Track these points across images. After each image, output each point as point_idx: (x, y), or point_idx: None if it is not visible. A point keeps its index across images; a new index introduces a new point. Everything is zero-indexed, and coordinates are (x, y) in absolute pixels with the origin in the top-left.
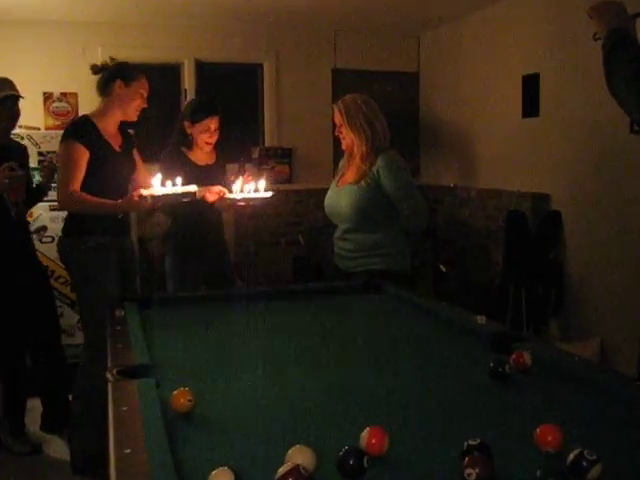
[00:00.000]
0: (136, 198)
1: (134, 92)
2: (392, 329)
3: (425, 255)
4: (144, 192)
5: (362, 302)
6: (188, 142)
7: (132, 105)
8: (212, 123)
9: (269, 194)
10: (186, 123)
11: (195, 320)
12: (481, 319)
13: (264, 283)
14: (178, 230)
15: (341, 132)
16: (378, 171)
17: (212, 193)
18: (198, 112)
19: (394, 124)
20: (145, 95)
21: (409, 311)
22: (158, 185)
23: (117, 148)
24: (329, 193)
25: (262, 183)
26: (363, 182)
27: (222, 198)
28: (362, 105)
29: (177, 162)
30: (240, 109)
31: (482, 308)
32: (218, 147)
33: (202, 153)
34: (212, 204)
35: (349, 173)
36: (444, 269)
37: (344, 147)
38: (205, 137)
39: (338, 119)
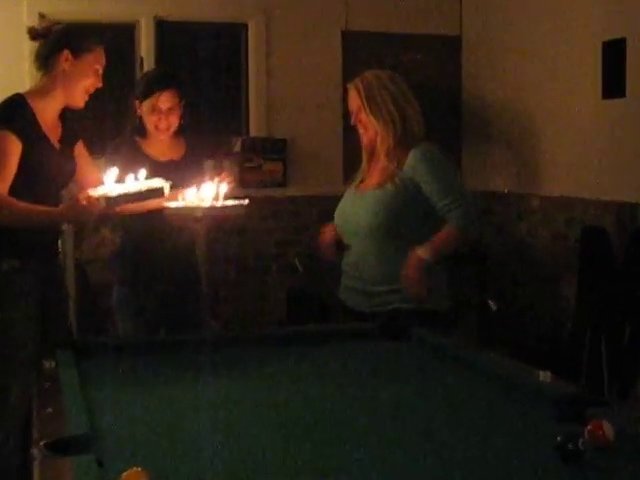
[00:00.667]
0: (83, 202)
1: (85, 68)
2: (422, 389)
3: (468, 287)
4: (94, 193)
5: (380, 352)
6: (141, 129)
7: (80, 85)
8: (162, 100)
9: (236, 203)
10: (136, 102)
11: (150, 375)
12: (545, 376)
13: (246, 324)
14: (131, 250)
15: (360, 120)
16: (411, 169)
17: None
18: (144, 85)
19: (427, 107)
20: (100, 72)
21: (446, 364)
22: (112, 182)
23: (55, 144)
24: (342, 202)
25: (223, 187)
26: (390, 185)
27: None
28: (389, 83)
29: (129, 157)
30: (216, 85)
31: (547, 361)
32: (186, 136)
33: (160, 144)
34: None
35: (372, 176)
36: (494, 307)
37: (365, 142)
38: (153, 119)
39: (356, 103)
